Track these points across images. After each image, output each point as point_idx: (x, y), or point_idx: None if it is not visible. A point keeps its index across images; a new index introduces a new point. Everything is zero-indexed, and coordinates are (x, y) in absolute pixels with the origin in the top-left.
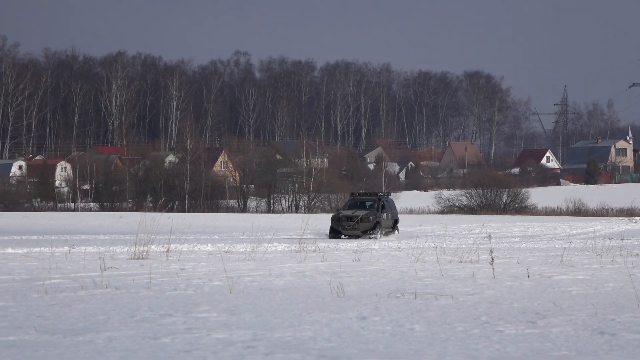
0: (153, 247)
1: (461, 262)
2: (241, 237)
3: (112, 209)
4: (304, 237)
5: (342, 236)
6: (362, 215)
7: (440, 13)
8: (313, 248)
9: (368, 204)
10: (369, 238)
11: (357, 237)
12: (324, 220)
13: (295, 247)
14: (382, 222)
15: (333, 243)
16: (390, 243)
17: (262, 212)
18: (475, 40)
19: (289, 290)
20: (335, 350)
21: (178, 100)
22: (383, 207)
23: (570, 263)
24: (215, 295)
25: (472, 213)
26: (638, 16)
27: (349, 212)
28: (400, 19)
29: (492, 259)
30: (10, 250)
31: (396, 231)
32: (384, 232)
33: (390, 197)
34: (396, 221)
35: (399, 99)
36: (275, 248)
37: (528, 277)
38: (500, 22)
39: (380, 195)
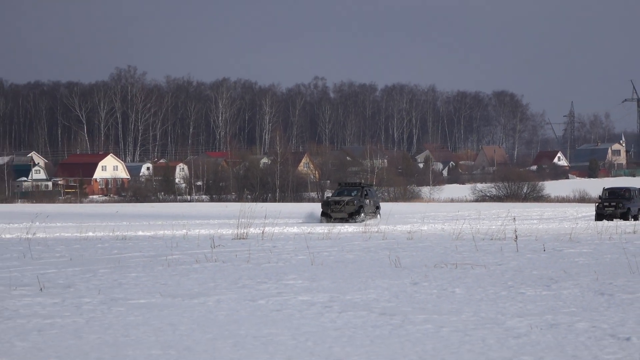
0: (251, 229)
1: (492, 239)
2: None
3: (219, 200)
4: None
5: (332, 219)
6: (347, 200)
7: (474, 42)
8: (376, 230)
9: (353, 191)
10: (355, 221)
11: (344, 219)
12: (384, 208)
13: (362, 228)
14: (365, 207)
15: (391, 225)
16: (435, 225)
17: None
18: (501, 64)
19: (357, 262)
20: (394, 308)
21: (270, 115)
22: (366, 194)
23: (576, 239)
24: (300, 267)
25: (499, 201)
26: (629, 42)
27: (337, 198)
28: (442, 47)
29: (516, 237)
30: (140, 232)
31: (378, 215)
32: (367, 216)
33: (373, 187)
34: (378, 207)
35: (442, 113)
36: (346, 229)
37: (544, 250)
38: (521, 49)
39: (363, 185)
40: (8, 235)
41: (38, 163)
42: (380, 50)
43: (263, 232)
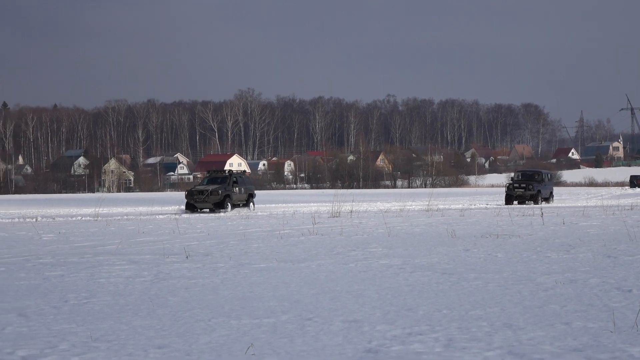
0: (343, 209)
1: (523, 215)
2: (394, 202)
3: (317, 187)
4: (431, 202)
5: (197, 210)
6: (211, 189)
7: (506, 64)
8: (436, 208)
9: (221, 180)
10: (221, 212)
11: (211, 210)
12: (440, 194)
13: (425, 207)
14: (233, 196)
15: (446, 205)
16: (480, 204)
17: (404, 187)
18: (527, 81)
19: (422, 234)
20: (451, 269)
21: (354, 124)
22: (236, 182)
23: (588, 215)
24: (380, 238)
25: None
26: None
27: (201, 187)
28: (483, 68)
29: (542, 213)
30: (259, 213)
31: (251, 204)
32: (236, 206)
33: (245, 175)
34: (251, 195)
35: (483, 120)
36: (413, 208)
37: (563, 223)
38: (543, 69)
39: (231, 172)
40: (161, 217)
41: (182, 162)
42: (436, 71)
43: (351, 211)
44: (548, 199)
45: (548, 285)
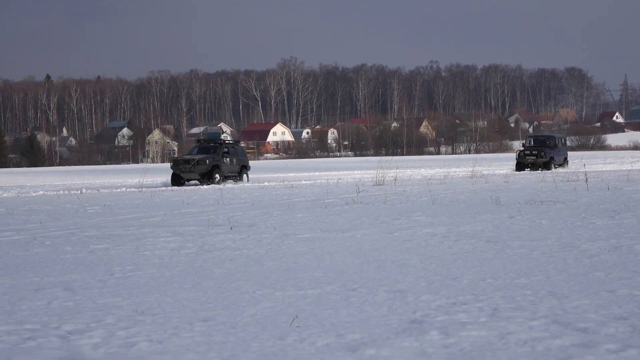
0: (386, 177)
1: (568, 181)
2: (438, 169)
3: (361, 155)
4: (475, 168)
5: (184, 182)
6: (198, 158)
7: (550, 27)
8: (480, 174)
9: (210, 149)
10: (210, 183)
11: (198, 181)
12: (484, 159)
13: (469, 173)
14: (222, 167)
15: (491, 170)
16: (501, 170)
17: (448, 154)
18: (571, 44)
19: (467, 201)
20: (496, 237)
21: (397, 90)
22: (227, 152)
23: (632, 180)
24: (424, 206)
25: (572, 150)
26: None
27: (187, 157)
28: (529, 27)
29: (587, 178)
30: (303, 182)
31: (245, 176)
32: (226, 177)
33: (238, 145)
34: (244, 167)
35: (527, 85)
36: (457, 174)
37: (608, 189)
38: (586, 32)
39: (222, 141)
40: (204, 186)
41: (225, 131)
42: (479, 36)
43: (395, 179)
44: (562, 165)
45: (592, 253)
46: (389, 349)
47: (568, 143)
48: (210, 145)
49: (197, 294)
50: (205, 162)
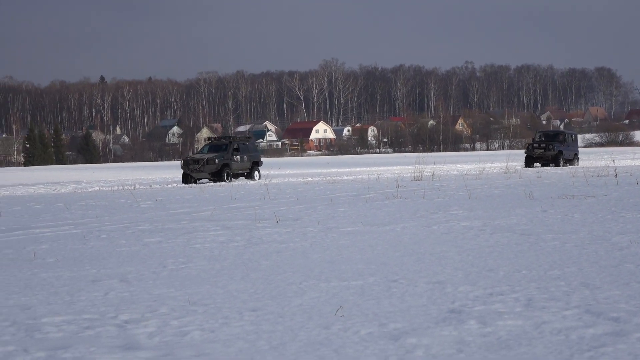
0: (424, 173)
1: (598, 176)
2: (474, 165)
3: (399, 151)
4: (509, 163)
5: (195, 181)
6: (207, 157)
7: (581, 27)
8: (514, 170)
9: (220, 148)
10: (221, 181)
11: (209, 180)
12: (518, 155)
13: (504, 169)
14: (233, 165)
15: (523, 167)
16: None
17: (483, 150)
18: (600, 45)
19: (501, 196)
20: (529, 230)
21: (434, 90)
22: (237, 150)
23: None
24: (460, 200)
25: (601, 146)
26: None
27: (197, 156)
28: (560, 28)
29: (616, 173)
30: (345, 177)
31: (256, 173)
32: (238, 174)
33: (250, 141)
34: (256, 163)
35: (558, 84)
36: (492, 170)
37: (637, 183)
38: (616, 32)
39: (232, 139)
40: (251, 182)
41: (270, 129)
42: (512, 37)
43: (432, 174)
44: (572, 160)
45: (623, 245)
46: (429, 337)
47: (597, 139)
48: (222, 143)
49: (246, 285)
50: (215, 162)
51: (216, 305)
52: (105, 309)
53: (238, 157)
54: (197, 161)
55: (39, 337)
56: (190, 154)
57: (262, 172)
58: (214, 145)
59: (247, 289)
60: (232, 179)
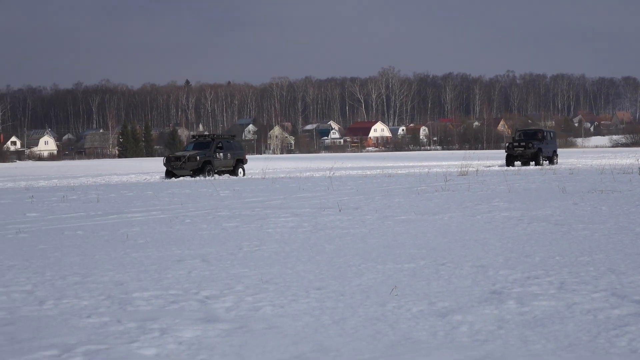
0: (469, 168)
1: (624, 173)
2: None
3: (447, 149)
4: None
5: (176, 177)
6: (189, 155)
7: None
8: (549, 167)
9: (204, 145)
10: (201, 177)
11: (191, 176)
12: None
13: (539, 167)
14: (215, 162)
15: (561, 160)
16: (586, 162)
17: None
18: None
19: (538, 190)
20: (562, 220)
21: (479, 95)
22: (220, 147)
23: None
24: (502, 194)
25: (627, 146)
26: None
27: (179, 153)
28: (591, 41)
29: None
30: (399, 171)
31: (240, 170)
32: (222, 171)
33: (233, 140)
34: (240, 161)
35: (589, 91)
36: (527, 169)
37: None
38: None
39: (215, 137)
40: (317, 174)
41: (334, 128)
42: (548, 48)
43: (477, 170)
44: (551, 158)
45: None
46: (472, 315)
47: (623, 140)
48: (206, 141)
49: (312, 267)
50: (196, 159)
51: (285, 283)
52: (189, 285)
53: (221, 154)
54: (178, 158)
55: (130, 310)
56: (171, 152)
57: (328, 165)
58: (198, 143)
59: (313, 269)
60: (217, 175)
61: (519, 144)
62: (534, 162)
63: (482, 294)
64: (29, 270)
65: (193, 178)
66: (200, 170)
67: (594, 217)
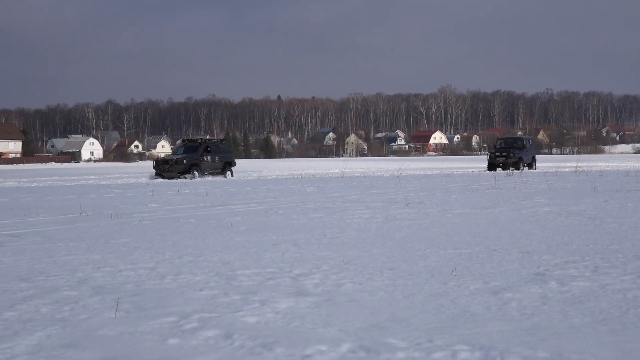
0: (515, 170)
1: None
2: (551, 164)
3: None
4: (578, 164)
5: (163, 178)
6: (176, 158)
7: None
8: (581, 170)
9: (192, 149)
10: (186, 178)
11: (177, 178)
12: (583, 159)
13: (574, 169)
14: (203, 165)
15: (591, 164)
16: (612, 164)
17: (558, 154)
18: None
19: (573, 189)
20: (595, 214)
21: (522, 109)
22: (209, 151)
23: None
24: (542, 191)
25: None
26: None
27: (167, 157)
28: (618, 62)
29: None
30: (454, 172)
31: (228, 173)
32: (210, 173)
33: (222, 143)
34: (228, 164)
35: (615, 106)
36: (565, 170)
37: None
38: None
39: (202, 141)
40: (386, 174)
41: (400, 135)
42: (583, 68)
43: (521, 172)
44: (531, 164)
45: None
46: (520, 293)
47: None
48: (195, 145)
49: (385, 251)
50: (183, 162)
51: (363, 264)
52: (283, 265)
53: (209, 157)
54: (166, 161)
55: (235, 285)
56: (159, 155)
57: (396, 166)
58: (187, 147)
59: (385, 253)
60: (205, 176)
61: (501, 153)
62: (514, 169)
63: (528, 275)
64: (151, 251)
65: (179, 180)
66: (187, 172)
67: (621, 212)
